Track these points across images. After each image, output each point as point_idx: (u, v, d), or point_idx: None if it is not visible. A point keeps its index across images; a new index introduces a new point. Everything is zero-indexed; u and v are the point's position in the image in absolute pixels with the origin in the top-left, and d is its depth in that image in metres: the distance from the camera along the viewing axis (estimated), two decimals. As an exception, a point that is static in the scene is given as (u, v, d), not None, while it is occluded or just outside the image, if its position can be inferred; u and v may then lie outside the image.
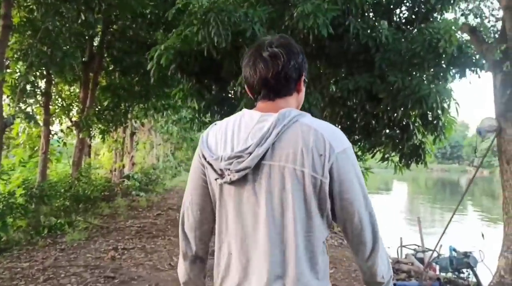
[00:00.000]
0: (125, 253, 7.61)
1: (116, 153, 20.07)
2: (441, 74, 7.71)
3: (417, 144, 9.05)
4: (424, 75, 7.69)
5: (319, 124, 1.52)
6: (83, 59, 14.28)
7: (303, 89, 1.69)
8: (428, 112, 7.60)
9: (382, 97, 7.52)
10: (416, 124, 8.81)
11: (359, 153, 11.56)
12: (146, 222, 11.07)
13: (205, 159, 1.58)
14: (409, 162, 9.14)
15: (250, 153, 1.45)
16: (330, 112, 9.74)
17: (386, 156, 10.04)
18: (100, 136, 14.51)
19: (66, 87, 16.08)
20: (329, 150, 1.45)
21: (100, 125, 14.14)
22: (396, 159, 10.07)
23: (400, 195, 37.73)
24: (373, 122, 9.71)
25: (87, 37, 14.26)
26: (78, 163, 14.20)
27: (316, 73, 8.67)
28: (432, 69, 7.67)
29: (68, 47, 12.16)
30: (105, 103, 15.90)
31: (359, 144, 10.46)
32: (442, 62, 7.40)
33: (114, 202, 14.31)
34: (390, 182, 46.90)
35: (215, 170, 1.54)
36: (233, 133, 1.56)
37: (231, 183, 1.51)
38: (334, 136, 1.50)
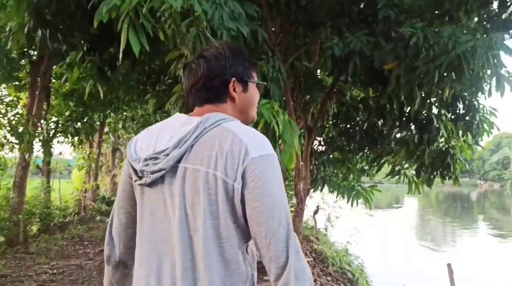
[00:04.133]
0: None
1: (90, 171, 16.92)
2: (488, 25, 4.33)
3: (443, 149, 5.75)
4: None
5: (241, 129, 1.38)
6: (33, 57, 11.30)
7: (245, 93, 1.53)
8: (475, 87, 4.28)
9: (390, 68, 4.24)
10: (442, 119, 5.53)
11: (365, 166, 8.46)
12: (71, 265, 7.83)
13: (129, 161, 1.47)
14: (432, 176, 5.80)
15: (167, 155, 1.36)
16: (315, 107, 6.51)
17: (397, 169, 6.78)
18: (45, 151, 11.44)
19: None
20: (244, 155, 1.31)
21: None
22: (411, 172, 6.87)
23: (412, 211, 35.01)
24: (379, 123, 6.53)
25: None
26: (21, 184, 10.97)
27: (286, 32, 5.46)
28: (475, 19, 4.34)
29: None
30: (67, 113, 12.94)
31: (361, 153, 7.30)
32: (491, 6, 4.12)
33: (64, 232, 11.21)
34: (401, 197, 44.23)
35: (136, 172, 1.44)
36: (158, 135, 1.46)
37: (149, 185, 1.41)
38: (254, 141, 1.35)
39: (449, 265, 5.25)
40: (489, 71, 3.55)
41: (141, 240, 1.46)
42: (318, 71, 6.37)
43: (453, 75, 3.69)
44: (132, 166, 1.44)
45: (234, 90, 1.50)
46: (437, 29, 3.93)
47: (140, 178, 1.42)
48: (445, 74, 3.74)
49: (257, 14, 4.07)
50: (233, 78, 1.49)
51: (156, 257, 1.40)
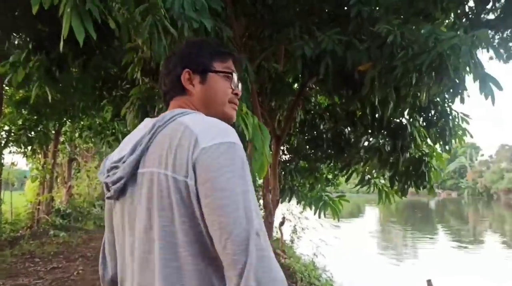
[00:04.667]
0: None
1: (44, 183, 16.05)
2: (467, 23, 4.08)
3: (417, 157, 5.50)
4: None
5: (196, 120, 1.21)
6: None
7: (204, 85, 1.36)
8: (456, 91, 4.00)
9: (365, 70, 3.95)
10: (415, 126, 5.29)
11: (329, 176, 8.19)
12: (19, 284, 7.19)
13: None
14: (406, 185, 5.53)
15: (124, 162, 1.26)
16: (282, 114, 6.20)
17: (367, 178, 6.52)
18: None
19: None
20: (193, 145, 1.13)
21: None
22: (381, 181, 6.63)
23: (374, 220, 35.33)
24: (347, 130, 6.28)
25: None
26: (-33, 198, 10.31)
27: (251, 36, 5.10)
28: (451, 18, 4.10)
29: None
30: (20, 122, 12.36)
31: (328, 162, 7.03)
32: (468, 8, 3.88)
33: (14, 247, 10.49)
34: (362, 206, 44.64)
35: (106, 186, 1.34)
36: (124, 144, 1.37)
37: (117, 198, 1.29)
38: (207, 130, 1.17)
39: (429, 281, 4.96)
40: (471, 72, 3.26)
41: (118, 258, 1.38)
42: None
43: (433, 76, 3.41)
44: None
45: (191, 83, 1.37)
46: (414, 27, 3.67)
47: (109, 191, 1.32)
48: (424, 75, 3.45)
49: (221, 9, 3.72)
50: (185, 69, 1.37)
51: (129, 276, 1.29)
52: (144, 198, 1.19)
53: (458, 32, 3.61)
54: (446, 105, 5.29)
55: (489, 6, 3.80)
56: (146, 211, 1.19)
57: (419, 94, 4.02)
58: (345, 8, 4.09)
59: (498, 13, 3.84)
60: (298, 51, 4.02)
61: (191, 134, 1.15)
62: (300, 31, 4.40)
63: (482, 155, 73.74)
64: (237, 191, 1.12)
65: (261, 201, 6.43)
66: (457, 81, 3.37)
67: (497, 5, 3.75)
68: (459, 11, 3.86)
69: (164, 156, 1.17)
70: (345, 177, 7.05)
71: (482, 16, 3.89)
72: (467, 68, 3.21)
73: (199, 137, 1.14)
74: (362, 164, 6.28)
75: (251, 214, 1.11)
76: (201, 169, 1.11)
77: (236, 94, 1.44)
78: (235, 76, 1.42)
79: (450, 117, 5.30)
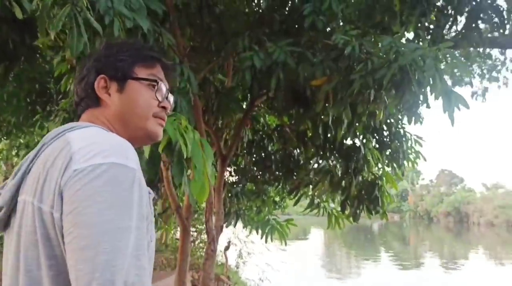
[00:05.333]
0: None
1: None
2: (429, 39, 3.83)
3: (369, 180, 5.21)
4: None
5: (84, 135, 0.98)
6: None
7: (121, 94, 1.12)
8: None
9: (319, 85, 3.61)
10: (369, 147, 5.02)
11: (276, 199, 7.95)
12: None
13: None
14: (358, 210, 5.21)
15: (5, 188, 1.05)
16: (228, 133, 5.81)
17: (316, 201, 6.22)
18: None
19: None
20: (65, 167, 0.90)
21: None
22: (331, 205, 6.38)
23: (319, 243, 35.68)
24: (296, 152, 5.99)
25: None
26: None
27: (196, 49, 4.71)
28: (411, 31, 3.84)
29: None
30: None
31: (276, 184, 6.75)
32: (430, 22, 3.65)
33: None
34: (307, 228, 44.80)
35: None
36: None
37: (4, 230, 1.07)
38: (88, 148, 0.92)
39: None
40: (435, 87, 2.96)
41: None
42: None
43: (394, 91, 3.11)
44: None
45: (107, 91, 1.14)
46: (373, 39, 3.38)
47: None
48: (383, 91, 3.15)
49: (163, 14, 3.30)
50: (100, 75, 1.14)
51: None
52: (15, 233, 0.99)
53: (421, 43, 3.36)
54: (400, 127, 5.08)
55: (451, 20, 3.58)
56: (15, 250, 0.98)
57: (376, 112, 3.73)
58: (298, 19, 3.76)
59: (460, 30, 3.62)
60: (247, 61, 3.64)
61: (67, 152, 0.93)
62: (250, 42, 4.04)
63: (423, 179, 76.00)
64: (106, 228, 0.84)
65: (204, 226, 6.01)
66: (420, 97, 3.06)
67: (458, 19, 3.52)
68: (419, 25, 3.61)
69: (36, 181, 0.95)
70: (293, 199, 6.76)
71: (443, 32, 3.66)
72: (431, 83, 2.90)
73: (74, 156, 0.91)
74: (311, 186, 5.98)
75: (123, 261, 0.83)
76: (67, 197, 0.87)
77: (164, 107, 1.19)
78: (162, 85, 1.18)
79: (404, 139, 5.08)
